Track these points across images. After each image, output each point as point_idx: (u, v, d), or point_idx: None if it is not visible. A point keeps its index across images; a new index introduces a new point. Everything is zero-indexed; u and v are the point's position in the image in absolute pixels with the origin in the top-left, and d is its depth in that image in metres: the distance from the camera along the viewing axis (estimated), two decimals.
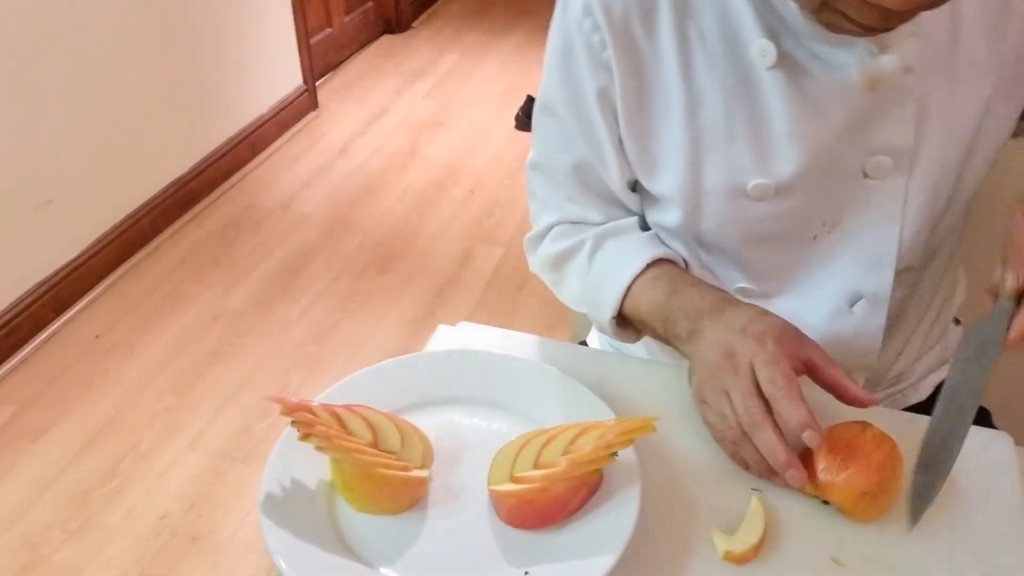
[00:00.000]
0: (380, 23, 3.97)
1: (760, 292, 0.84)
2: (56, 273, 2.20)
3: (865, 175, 0.75)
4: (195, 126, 2.68)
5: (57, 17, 2.08)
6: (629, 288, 0.81)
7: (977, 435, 0.74)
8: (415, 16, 4.16)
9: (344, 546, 0.63)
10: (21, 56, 1.99)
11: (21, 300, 2.11)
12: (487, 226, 2.65)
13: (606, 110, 0.78)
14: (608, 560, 0.60)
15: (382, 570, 0.62)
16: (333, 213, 2.70)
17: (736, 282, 0.84)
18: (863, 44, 0.69)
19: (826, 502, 0.67)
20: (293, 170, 2.92)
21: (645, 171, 0.80)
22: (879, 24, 0.60)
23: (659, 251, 0.82)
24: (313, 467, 0.67)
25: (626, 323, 0.84)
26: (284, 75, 3.12)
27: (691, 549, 0.65)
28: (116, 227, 2.39)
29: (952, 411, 0.66)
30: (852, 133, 0.73)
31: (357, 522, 0.65)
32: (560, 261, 0.88)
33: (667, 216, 0.82)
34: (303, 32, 3.14)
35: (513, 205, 2.75)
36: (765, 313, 0.72)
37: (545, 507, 0.64)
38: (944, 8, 0.59)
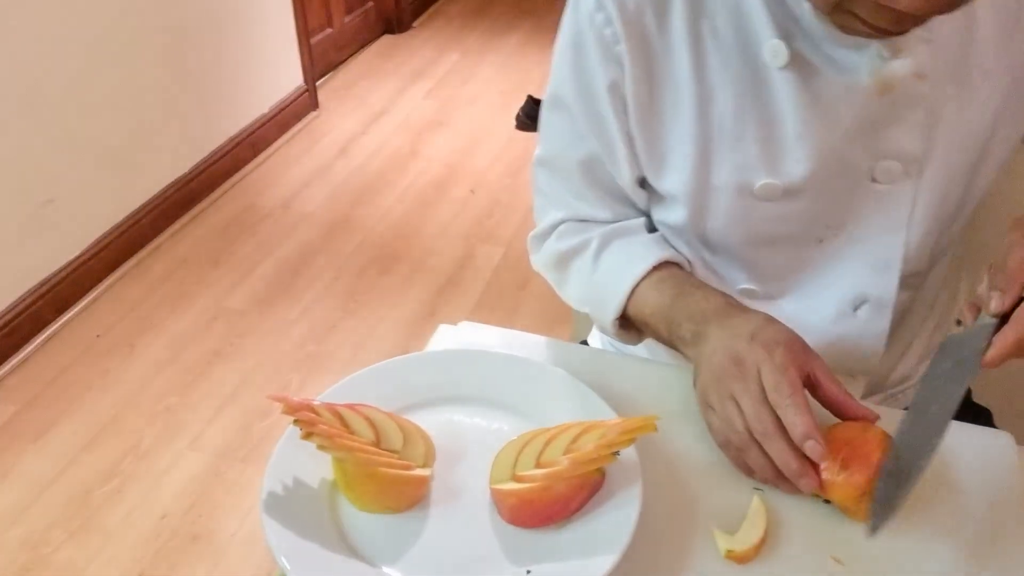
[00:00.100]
0: (380, 23, 3.97)
1: (764, 293, 0.84)
2: (56, 273, 2.20)
3: (874, 180, 0.75)
4: (195, 126, 2.68)
5: (57, 17, 2.08)
6: (634, 290, 0.80)
7: (977, 435, 0.74)
8: (415, 16, 4.16)
9: (346, 545, 0.63)
10: (21, 56, 2.00)
11: (21, 300, 2.11)
12: (487, 226, 2.65)
13: (617, 104, 0.77)
14: (610, 559, 0.60)
15: (384, 569, 0.62)
16: (334, 213, 2.70)
17: (740, 283, 0.84)
18: (875, 48, 0.69)
19: (827, 501, 0.67)
20: (293, 170, 2.92)
21: (653, 167, 0.80)
22: (892, 27, 0.60)
23: (665, 254, 0.82)
24: (315, 466, 0.67)
25: (629, 324, 0.84)
26: (284, 75, 3.12)
27: (692, 548, 0.65)
28: (116, 227, 2.39)
29: (922, 424, 0.64)
30: (862, 137, 0.73)
31: (359, 521, 0.65)
32: (565, 259, 0.88)
33: (672, 214, 0.82)
34: (303, 32, 3.14)
35: (513, 205, 2.75)
36: (772, 321, 0.71)
37: (547, 506, 0.64)
38: (959, 14, 0.58)
